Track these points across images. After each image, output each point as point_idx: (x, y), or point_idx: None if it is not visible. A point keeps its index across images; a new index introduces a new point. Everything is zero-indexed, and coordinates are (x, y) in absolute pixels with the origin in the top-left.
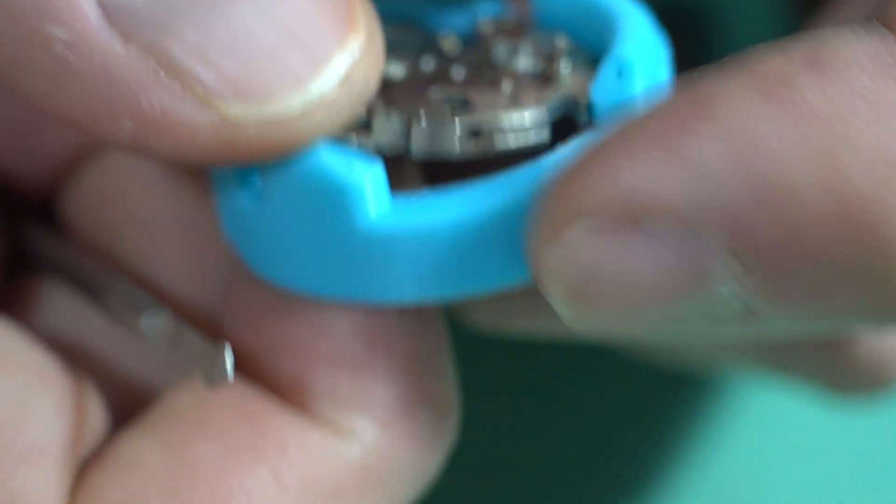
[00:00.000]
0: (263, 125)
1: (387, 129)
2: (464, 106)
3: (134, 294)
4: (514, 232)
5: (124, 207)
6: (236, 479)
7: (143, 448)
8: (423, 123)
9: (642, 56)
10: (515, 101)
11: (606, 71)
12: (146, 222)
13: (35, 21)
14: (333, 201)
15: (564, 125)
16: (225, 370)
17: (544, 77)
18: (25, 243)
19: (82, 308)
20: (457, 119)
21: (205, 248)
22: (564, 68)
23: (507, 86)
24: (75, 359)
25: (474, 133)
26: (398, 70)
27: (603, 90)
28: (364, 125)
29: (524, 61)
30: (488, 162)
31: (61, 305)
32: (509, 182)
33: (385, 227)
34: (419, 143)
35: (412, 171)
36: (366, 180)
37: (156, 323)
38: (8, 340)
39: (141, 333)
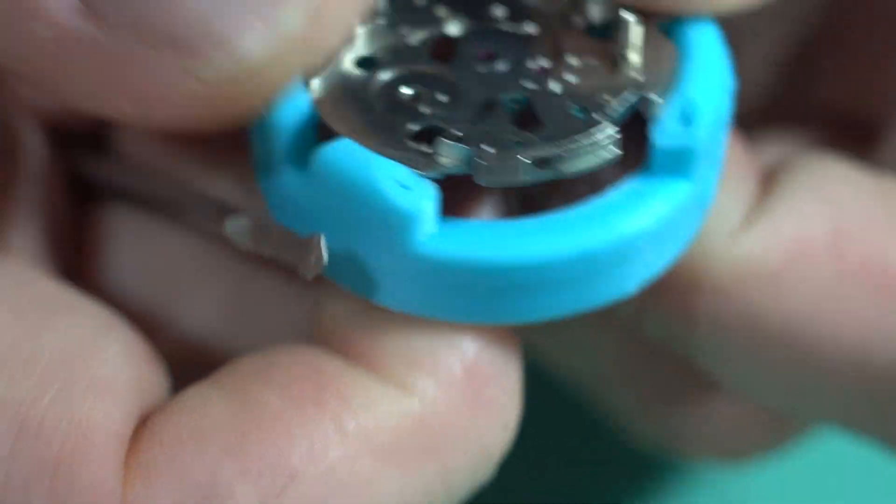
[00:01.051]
0: (234, 80)
1: (451, 154)
2: (527, 118)
3: (210, 203)
4: (554, 278)
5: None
6: (300, 425)
7: (206, 395)
8: (488, 156)
9: (708, 98)
10: (580, 97)
11: (670, 112)
12: (202, 143)
13: (23, 22)
14: (385, 223)
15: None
16: (321, 256)
17: (609, 46)
18: (89, 174)
19: (152, 236)
20: (519, 157)
21: None
22: (633, 43)
23: (571, 61)
24: (139, 320)
25: (541, 162)
26: (455, 28)
27: (664, 134)
28: (422, 134)
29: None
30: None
31: (133, 236)
32: (556, 224)
33: (430, 252)
34: (482, 174)
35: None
36: (420, 207)
37: (240, 224)
38: (75, 296)
39: (226, 237)
